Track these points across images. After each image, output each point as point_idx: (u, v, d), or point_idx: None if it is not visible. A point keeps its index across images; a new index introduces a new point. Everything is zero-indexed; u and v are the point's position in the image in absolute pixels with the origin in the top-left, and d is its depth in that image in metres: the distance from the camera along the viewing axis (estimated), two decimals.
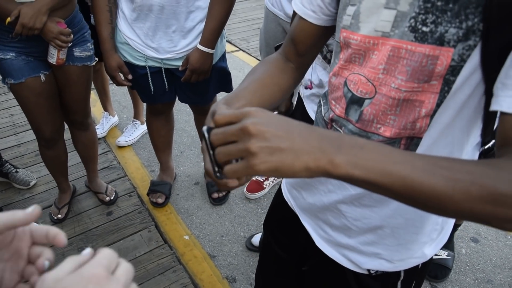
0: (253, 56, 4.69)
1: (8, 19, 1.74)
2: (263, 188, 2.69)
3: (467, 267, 2.29)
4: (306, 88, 1.70)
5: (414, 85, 0.73)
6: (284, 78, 0.95)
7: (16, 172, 2.73)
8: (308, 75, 1.68)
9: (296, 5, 0.93)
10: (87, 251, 0.50)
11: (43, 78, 1.99)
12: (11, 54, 1.91)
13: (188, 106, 3.50)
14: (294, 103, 1.91)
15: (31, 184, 2.73)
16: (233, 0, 1.92)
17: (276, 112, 1.94)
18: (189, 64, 1.96)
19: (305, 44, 0.96)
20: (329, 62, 1.53)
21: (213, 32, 1.91)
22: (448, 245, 2.30)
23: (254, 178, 2.74)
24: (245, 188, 2.70)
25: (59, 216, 2.49)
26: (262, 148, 0.54)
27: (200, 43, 1.92)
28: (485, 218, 0.56)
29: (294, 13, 0.96)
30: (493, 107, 0.65)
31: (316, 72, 1.61)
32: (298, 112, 1.80)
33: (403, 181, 0.55)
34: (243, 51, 4.80)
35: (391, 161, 0.55)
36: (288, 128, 0.55)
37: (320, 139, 0.56)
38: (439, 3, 0.68)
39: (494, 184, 0.54)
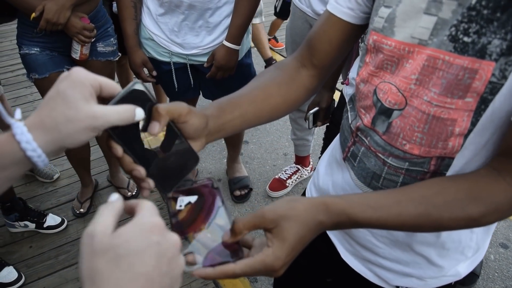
0: (276, 52, 4.63)
1: (33, 15, 1.73)
2: (286, 187, 2.65)
3: (496, 273, 2.21)
4: (343, 83, 1.64)
5: (447, 100, 0.66)
6: (293, 88, 0.87)
7: None
8: (352, 73, 1.61)
9: (331, 5, 0.86)
10: (116, 196, 0.50)
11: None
12: (35, 49, 1.90)
13: (209, 102, 3.50)
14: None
15: (54, 177, 2.75)
16: None
17: (316, 108, 1.88)
18: (215, 61, 1.92)
19: (328, 46, 0.87)
20: None
21: (240, 28, 1.88)
22: None
23: (276, 177, 2.70)
24: (267, 186, 2.66)
25: (81, 210, 2.50)
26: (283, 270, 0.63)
27: (226, 39, 1.89)
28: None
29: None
30: None
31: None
32: (340, 111, 1.74)
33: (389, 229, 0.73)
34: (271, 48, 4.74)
35: (381, 226, 0.67)
36: (301, 247, 0.64)
37: (321, 229, 0.65)
38: (485, 12, 0.61)
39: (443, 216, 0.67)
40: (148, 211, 0.48)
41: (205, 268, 0.61)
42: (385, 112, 0.76)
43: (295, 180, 2.69)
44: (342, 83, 1.66)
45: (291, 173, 2.68)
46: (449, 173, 0.73)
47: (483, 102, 0.64)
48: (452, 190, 0.67)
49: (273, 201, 2.60)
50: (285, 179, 2.66)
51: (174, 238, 0.48)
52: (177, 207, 0.64)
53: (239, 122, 0.79)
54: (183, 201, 0.65)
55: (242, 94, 0.82)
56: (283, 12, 3.90)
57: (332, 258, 1.03)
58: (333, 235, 1.02)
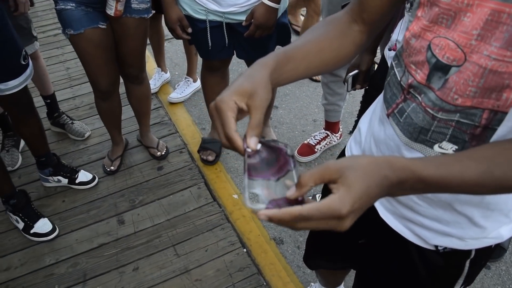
0: (302, 15, 4.54)
1: None
2: (315, 152, 2.64)
3: None
4: (390, 49, 1.59)
5: (506, 53, 0.64)
6: (345, 43, 0.87)
7: (72, 123, 2.80)
8: (395, 35, 1.57)
9: None
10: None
11: (101, 29, 1.98)
12: (71, 4, 1.91)
13: (240, 66, 3.48)
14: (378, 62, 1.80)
15: (86, 135, 2.80)
16: None
17: (356, 71, 1.84)
18: (254, 19, 1.90)
19: (378, 3, 0.85)
20: None
21: None
22: None
23: (305, 142, 2.69)
24: (296, 151, 2.65)
25: (112, 168, 2.55)
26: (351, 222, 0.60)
27: None
28: None
29: None
30: None
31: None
32: (380, 74, 1.71)
33: (459, 193, 0.67)
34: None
35: (444, 187, 0.64)
36: (369, 201, 0.61)
37: (389, 189, 0.62)
38: None
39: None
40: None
41: (270, 209, 0.60)
42: (442, 69, 0.73)
43: (324, 146, 2.68)
44: (389, 49, 1.61)
45: (320, 139, 2.67)
46: (501, 129, 0.71)
47: None
48: (511, 149, 0.65)
49: (301, 166, 2.61)
50: (314, 144, 2.65)
51: None
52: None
53: (292, 75, 0.81)
54: (258, 147, 0.67)
55: (296, 48, 0.81)
56: None
57: (368, 216, 1.03)
58: None
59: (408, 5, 1.27)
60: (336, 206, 0.57)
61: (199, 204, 2.36)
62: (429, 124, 0.77)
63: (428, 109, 0.76)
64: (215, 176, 2.57)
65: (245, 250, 2.13)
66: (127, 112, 2.73)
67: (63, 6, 1.91)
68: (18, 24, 2.27)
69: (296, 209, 0.58)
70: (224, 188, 2.49)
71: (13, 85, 1.88)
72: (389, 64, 1.60)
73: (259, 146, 0.67)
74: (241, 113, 0.69)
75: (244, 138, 0.67)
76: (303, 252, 2.09)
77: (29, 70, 1.95)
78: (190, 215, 2.30)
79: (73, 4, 1.91)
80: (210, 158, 2.62)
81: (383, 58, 1.70)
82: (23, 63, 1.91)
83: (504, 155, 0.64)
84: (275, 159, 0.67)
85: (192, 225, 2.25)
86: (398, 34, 1.53)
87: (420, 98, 0.78)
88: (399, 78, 0.84)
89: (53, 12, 4.31)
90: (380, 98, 0.99)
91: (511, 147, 0.65)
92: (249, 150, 0.66)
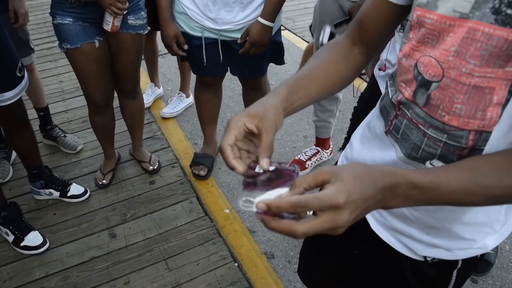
0: (298, 36, 4.63)
1: None
2: (305, 168, 2.67)
3: (510, 264, 2.22)
4: (380, 69, 1.64)
5: (488, 69, 0.68)
6: (348, 66, 0.93)
7: (65, 136, 2.81)
8: (384, 55, 1.63)
9: None
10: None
11: (97, 44, 2.02)
12: (69, 19, 1.94)
13: (232, 82, 3.52)
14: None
15: (78, 149, 2.81)
16: None
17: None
18: (249, 37, 1.95)
19: (376, 25, 0.91)
20: None
21: (275, 5, 1.92)
22: None
23: (296, 158, 2.72)
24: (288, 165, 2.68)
25: (104, 181, 2.55)
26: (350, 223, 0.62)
27: (262, 16, 1.92)
28: None
29: None
30: None
31: (395, 51, 1.55)
32: (369, 92, 1.76)
33: (446, 204, 0.70)
34: (289, 30, 4.75)
35: (435, 193, 0.66)
36: (365, 200, 0.61)
37: (382, 193, 0.63)
38: None
39: None
40: None
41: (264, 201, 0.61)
42: (424, 85, 0.78)
43: (315, 162, 2.71)
44: (379, 69, 1.67)
45: (311, 155, 2.70)
46: (487, 147, 0.75)
47: None
48: (496, 160, 0.68)
49: None
50: (304, 160, 2.69)
51: None
52: (256, 170, 0.71)
53: (304, 101, 0.86)
54: (271, 168, 0.71)
55: (304, 75, 0.87)
56: None
57: (360, 229, 1.06)
58: None
59: (399, 26, 1.33)
60: (333, 195, 0.58)
61: (190, 219, 2.38)
62: (421, 140, 0.81)
63: (420, 126, 0.81)
64: (207, 191, 2.59)
65: (236, 264, 2.14)
66: (120, 126, 2.75)
67: (60, 21, 1.94)
68: (17, 36, 2.29)
69: (294, 197, 0.59)
70: (215, 202, 2.51)
71: (8, 97, 1.89)
72: (379, 84, 1.65)
73: (271, 167, 0.70)
74: (253, 136, 0.75)
75: (254, 161, 0.73)
76: (294, 266, 2.13)
77: (24, 82, 1.97)
78: (182, 229, 2.31)
79: (71, 19, 1.94)
80: (202, 173, 2.64)
81: (372, 77, 1.75)
82: (19, 75, 1.93)
83: (488, 166, 0.68)
84: (278, 177, 0.69)
85: (184, 239, 2.25)
86: (387, 54, 1.59)
87: (409, 114, 0.83)
88: (391, 96, 0.89)
89: (47, 26, 4.35)
90: (372, 113, 1.03)
91: (494, 158, 0.69)
92: (256, 170, 0.70)
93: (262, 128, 0.73)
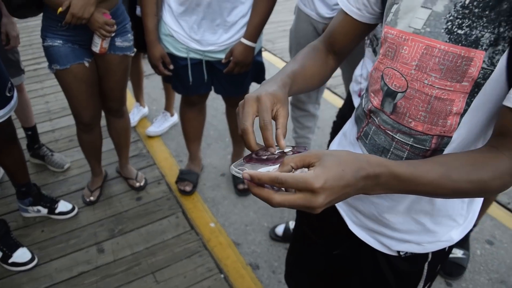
0: (278, 57, 4.78)
1: (60, 9, 1.85)
2: None
3: (482, 267, 2.33)
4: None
5: (447, 83, 0.80)
6: (326, 68, 1.07)
7: (52, 155, 2.86)
8: (358, 71, 1.75)
9: (342, 2, 1.02)
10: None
11: (87, 64, 2.10)
12: (58, 41, 2.02)
13: (215, 101, 3.62)
14: None
15: (65, 167, 2.86)
16: None
17: None
18: (233, 57, 2.07)
19: (345, 39, 1.05)
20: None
21: (257, 27, 2.04)
22: (464, 245, 2.35)
23: None
24: None
25: (91, 198, 2.61)
26: (324, 208, 0.67)
27: (245, 37, 2.03)
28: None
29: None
30: (506, 103, 0.75)
31: (365, 67, 1.68)
32: (347, 107, 1.89)
33: (421, 194, 0.77)
34: (269, 51, 4.90)
35: (413, 184, 0.73)
36: (343, 187, 0.66)
37: (364, 181, 0.69)
38: (476, 10, 0.75)
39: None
40: None
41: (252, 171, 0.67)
42: (391, 95, 0.90)
43: None
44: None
45: None
46: (447, 149, 0.86)
47: (477, 86, 0.78)
48: (464, 157, 0.78)
49: None
50: None
51: None
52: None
53: (295, 92, 0.98)
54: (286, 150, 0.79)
55: (298, 71, 0.98)
56: None
57: (340, 231, 1.16)
58: (341, 209, 1.15)
59: (368, 41, 1.50)
60: (309, 179, 0.63)
61: (177, 233, 2.44)
62: (389, 145, 0.92)
63: (388, 131, 0.92)
64: (192, 205, 2.66)
65: (222, 275, 2.21)
66: (107, 144, 2.82)
67: (51, 43, 2.03)
68: (7, 57, 2.37)
69: (275, 173, 0.66)
70: (201, 217, 2.58)
71: None
72: (353, 98, 1.78)
73: (287, 149, 0.78)
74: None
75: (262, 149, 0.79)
76: (278, 276, 2.21)
77: (13, 102, 2.03)
78: (169, 243, 2.38)
79: (61, 41, 2.03)
80: (188, 188, 2.72)
81: (349, 93, 1.87)
82: (8, 95, 1.99)
83: (458, 161, 0.77)
84: (277, 158, 0.75)
85: (171, 252, 2.32)
86: (360, 70, 1.72)
87: (377, 121, 0.95)
88: (363, 106, 1.01)
89: (32, 48, 4.42)
90: (348, 123, 1.15)
91: (461, 155, 0.79)
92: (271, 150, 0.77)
93: (281, 113, 0.81)
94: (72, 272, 2.21)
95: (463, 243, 2.36)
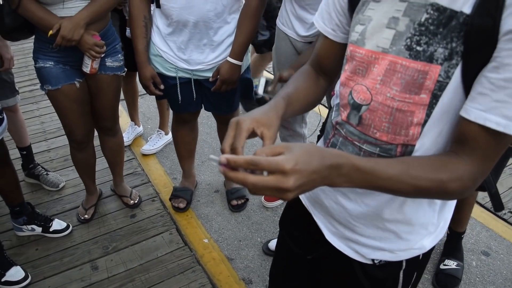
0: (269, 72, 4.83)
1: (50, 32, 1.90)
2: (279, 198, 2.78)
3: (477, 278, 2.34)
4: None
5: (406, 95, 0.85)
6: (318, 90, 1.14)
7: (47, 174, 2.90)
8: (337, 86, 1.80)
9: (318, 23, 1.08)
10: None
11: (77, 85, 2.15)
12: (50, 63, 2.07)
13: (209, 119, 3.67)
14: None
15: (60, 186, 2.89)
16: (260, 17, 2.09)
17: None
18: (219, 75, 2.11)
19: (328, 59, 1.11)
20: None
21: (242, 45, 2.09)
22: (457, 256, 2.35)
23: None
24: (262, 197, 2.80)
25: (86, 216, 2.63)
26: (294, 195, 0.70)
27: (230, 55, 2.08)
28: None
29: None
30: (462, 113, 0.80)
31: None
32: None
33: (382, 189, 0.81)
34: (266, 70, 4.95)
35: (374, 178, 0.77)
36: (311, 173, 0.71)
37: (329, 170, 0.73)
38: (431, 27, 0.80)
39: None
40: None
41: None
42: (356, 108, 0.94)
43: None
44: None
45: None
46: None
47: (434, 98, 0.82)
48: (425, 159, 0.83)
49: (268, 211, 2.75)
50: None
51: None
52: None
53: (290, 115, 1.03)
54: None
55: (292, 94, 1.04)
56: None
57: (319, 241, 1.18)
58: (319, 220, 1.17)
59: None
60: (281, 161, 0.67)
61: (171, 249, 2.46)
62: (357, 155, 0.96)
63: (355, 142, 0.96)
64: (186, 222, 2.68)
65: None
66: (102, 163, 2.86)
67: (42, 64, 2.08)
68: (2, 79, 2.42)
69: (249, 156, 0.70)
70: (195, 233, 2.60)
71: None
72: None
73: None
74: (251, 136, 0.88)
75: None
76: None
77: (4, 124, 2.06)
78: (163, 259, 2.39)
79: (52, 63, 2.08)
80: (182, 205, 2.74)
81: (331, 107, 1.91)
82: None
83: (418, 161, 0.82)
84: None
85: (164, 268, 2.33)
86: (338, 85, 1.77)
87: (343, 132, 0.99)
88: (332, 119, 1.05)
89: (28, 69, 4.49)
90: (322, 138, 1.18)
91: (423, 157, 0.84)
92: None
93: (266, 135, 0.87)
94: None
95: (456, 253, 2.37)
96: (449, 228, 2.38)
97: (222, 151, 0.83)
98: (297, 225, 1.31)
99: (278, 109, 0.94)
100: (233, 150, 0.83)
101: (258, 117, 0.88)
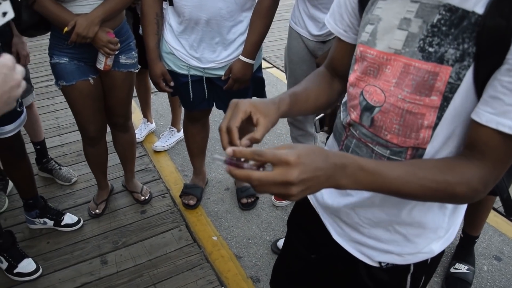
0: (280, 70, 4.83)
1: (66, 29, 1.93)
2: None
3: (488, 283, 2.31)
4: None
5: (416, 97, 0.84)
6: (331, 92, 1.14)
7: (60, 169, 2.94)
8: None
9: (329, 24, 1.08)
10: None
11: (91, 81, 2.18)
12: (65, 59, 2.10)
13: (221, 117, 3.68)
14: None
15: (73, 181, 2.93)
16: (273, 16, 2.09)
17: (322, 114, 2.04)
18: (232, 74, 2.12)
19: (342, 61, 1.10)
20: None
21: (255, 44, 2.09)
22: (469, 260, 2.33)
23: None
24: (272, 196, 2.81)
25: (97, 211, 2.66)
26: (299, 193, 0.70)
27: (243, 54, 2.09)
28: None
29: None
30: (473, 116, 0.79)
31: None
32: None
33: (389, 191, 0.79)
34: (277, 68, 4.96)
35: (380, 179, 0.76)
36: (315, 169, 0.71)
37: (333, 169, 0.73)
38: (443, 28, 0.80)
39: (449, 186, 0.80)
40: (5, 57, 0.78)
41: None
42: (369, 109, 0.93)
43: None
44: None
45: None
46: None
47: (445, 100, 0.81)
48: (432, 161, 0.83)
49: (278, 210, 2.76)
50: None
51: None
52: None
53: (295, 114, 1.07)
54: None
55: (300, 93, 1.05)
56: None
57: (326, 242, 1.18)
58: (326, 221, 1.17)
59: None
60: (285, 154, 0.68)
61: (179, 245, 2.48)
62: (370, 157, 0.96)
63: (368, 144, 0.96)
64: (196, 219, 2.70)
65: None
66: (114, 159, 2.89)
67: (57, 60, 2.11)
68: None
69: (255, 148, 0.71)
70: (204, 230, 2.61)
71: (8, 130, 2.03)
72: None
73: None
74: (248, 122, 0.90)
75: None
76: None
77: (23, 116, 2.11)
78: (171, 255, 2.41)
79: (67, 59, 2.11)
80: (192, 202, 2.76)
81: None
82: (19, 109, 2.07)
83: (425, 164, 0.82)
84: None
85: (173, 265, 2.35)
86: None
87: (357, 134, 0.98)
88: (342, 120, 1.04)
89: (45, 65, 4.54)
90: (330, 139, 1.18)
91: (429, 160, 0.84)
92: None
93: (261, 122, 0.89)
94: (75, 283, 2.25)
95: (467, 257, 2.35)
96: (463, 231, 2.36)
97: (220, 130, 0.87)
98: (304, 225, 1.31)
99: (280, 105, 0.96)
100: (228, 130, 0.86)
101: (257, 104, 0.91)
